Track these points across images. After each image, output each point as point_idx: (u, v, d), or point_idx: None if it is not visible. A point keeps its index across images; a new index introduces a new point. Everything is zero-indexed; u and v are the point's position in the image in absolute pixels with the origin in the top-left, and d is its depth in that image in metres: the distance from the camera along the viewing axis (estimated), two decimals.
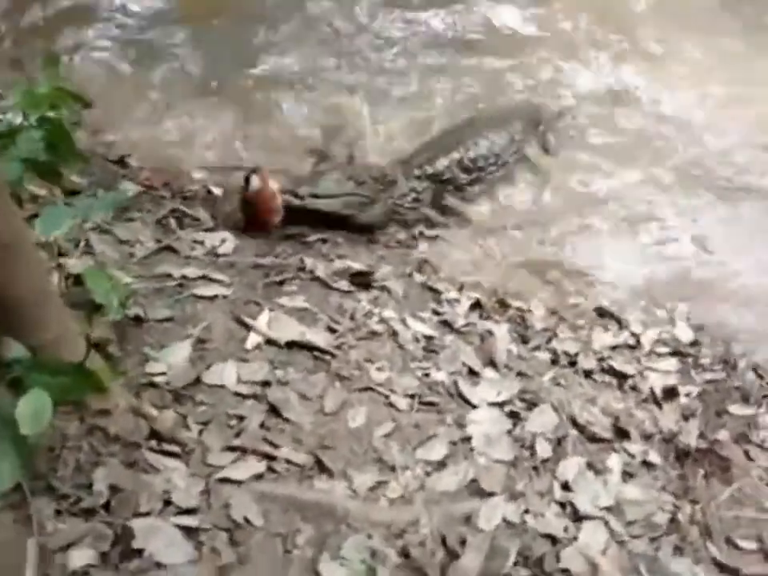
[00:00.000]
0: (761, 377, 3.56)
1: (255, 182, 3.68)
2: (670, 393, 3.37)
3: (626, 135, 4.84)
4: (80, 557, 2.07)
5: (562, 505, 2.66)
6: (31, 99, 2.90)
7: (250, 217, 3.74)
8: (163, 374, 2.66)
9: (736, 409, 3.34)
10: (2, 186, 2.00)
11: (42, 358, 2.14)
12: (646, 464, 2.96)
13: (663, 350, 3.64)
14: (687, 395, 3.39)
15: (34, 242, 2.21)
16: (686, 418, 3.28)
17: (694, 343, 3.70)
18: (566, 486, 2.72)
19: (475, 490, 2.63)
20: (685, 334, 3.75)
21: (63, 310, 2.25)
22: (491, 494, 2.62)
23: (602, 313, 3.80)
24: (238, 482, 2.41)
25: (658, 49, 5.39)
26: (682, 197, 4.50)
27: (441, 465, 2.69)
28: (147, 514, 2.22)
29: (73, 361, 2.20)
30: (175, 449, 2.44)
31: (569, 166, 4.64)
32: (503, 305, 3.70)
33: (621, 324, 3.75)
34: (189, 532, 2.23)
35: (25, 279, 2.08)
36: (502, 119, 4.66)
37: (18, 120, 2.90)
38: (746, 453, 3.14)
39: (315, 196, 3.91)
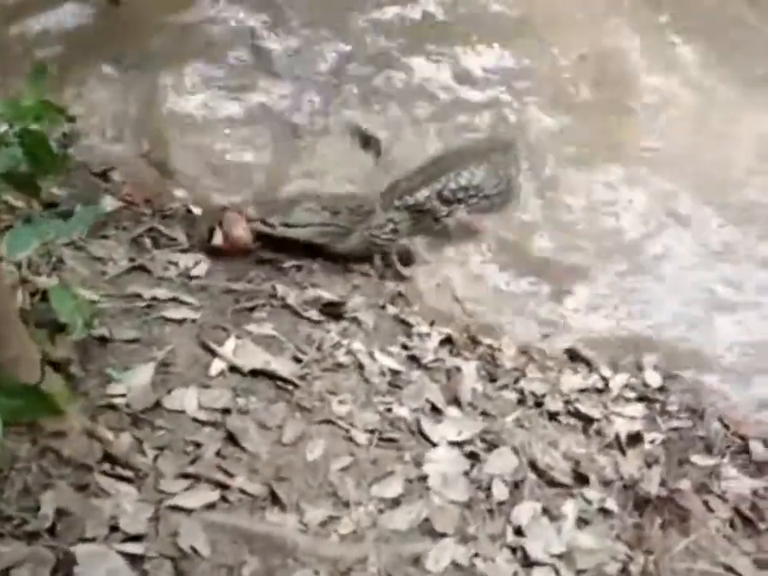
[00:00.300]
0: (726, 427, 3.58)
1: (218, 237, 3.73)
2: (635, 439, 3.37)
3: None
4: None
5: (514, 550, 2.67)
6: (15, 111, 2.90)
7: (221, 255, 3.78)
8: (123, 395, 2.67)
9: (699, 459, 3.34)
10: None
11: None
12: (603, 511, 2.96)
13: (631, 395, 3.65)
14: (651, 442, 3.40)
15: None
16: (648, 465, 3.29)
17: (663, 390, 3.71)
18: (518, 531, 2.73)
19: (427, 530, 2.64)
20: (653, 380, 3.76)
21: (21, 328, 2.26)
22: (443, 535, 2.63)
23: (572, 355, 3.82)
24: (189, 510, 2.42)
25: None
26: None
27: (395, 503, 2.70)
28: (92, 539, 2.23)
29: (29, 381, 2.20)
30: (128, 473, 2.45)
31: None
32: (474, 341, 3.71)
33: (591, 367, 3.76)
34: (134, 560, 2.24)
35: None
36: (485, 151, 4.65)
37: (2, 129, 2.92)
38: (706, 503, 3.15)
39: (287, 225, 3.93)
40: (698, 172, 4.66)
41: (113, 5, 5.15)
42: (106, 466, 2.42)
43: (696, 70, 5.23)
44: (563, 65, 5.28)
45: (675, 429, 3.50)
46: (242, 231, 3.79)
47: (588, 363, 3.79)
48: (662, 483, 3.18)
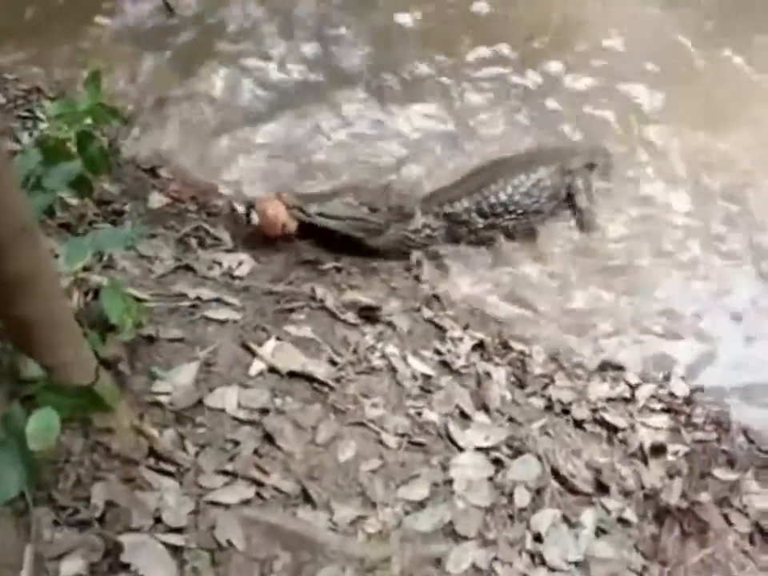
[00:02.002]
0: (751, 441, 3.64)
1: (255, 218, 3.95)
2: (658, 450, 3.45)
3: None
4: (71, 566, 2.23)
5: (532, 555, 2.78)
6: (72, 113, 3.05)
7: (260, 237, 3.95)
8: (168, 393, 2.79)
9: (721, 472, 3.42)
10: (29, 219, 2.16)
11: (55, 377, 2.30)
12: (621, 521, 3.06)
13: (657, 405, 3.73)
14: (675, 453, 3.48)
15: (55, 270, 2.36)
16: (670, 476, 3.37)
17: (689, 401, 3.78)
18: (538, 537, 2.84)
19: (450, 532, 2.75)
20: (681, 392, 3.83)
21: (77, 332, 2.41)
22: (465, 538, 2.74)
23: (603, 365, 3.91)
24: (226, 506, 2.55)
25: None
26: None
27: (420, 505, 2.81)
28: (138, 529, 2.37)
29: (83, 381, 2.36)
30: (171, 468, 2.58)
31: None
32: (505, 347, 3.82)
33: (619, 376, 3.84)
34: (174, 550, 2.37)
35: (43, 305, 2.23)
36: (538, 163, 4.64)
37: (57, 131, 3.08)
38: (726, 517, 3.22)
39: (322, 215, 4.07)
40: None
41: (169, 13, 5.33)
42: (151, 461, 2.56)
43: None
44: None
45: (699, 441, 3.57)
46: (278, 210, 3.96)
47: (617, 372, 3.88)
48: (683, 495, 3.25)
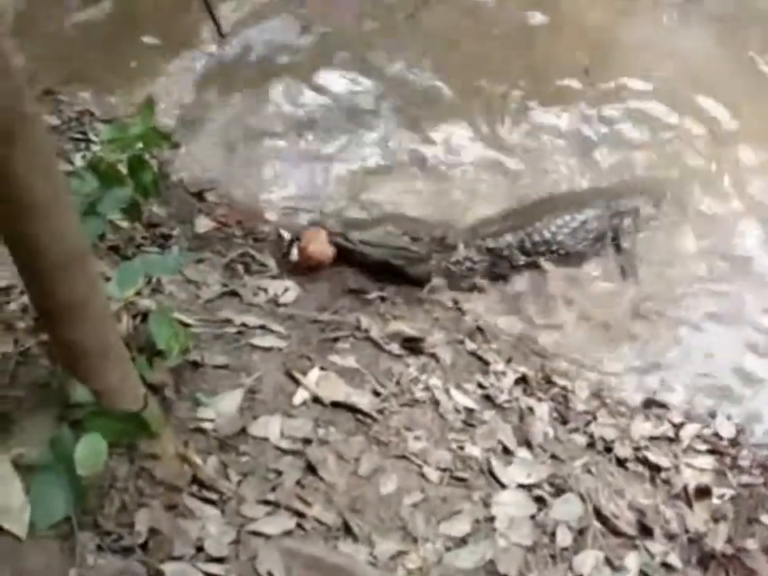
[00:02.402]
0: None
1: (294, 253, 3.99)
2: (703, 492, 3.39)
3: None
4: None
5: None
6: (123, 140, 3.10)
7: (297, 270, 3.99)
8: (212, 420, 2.81)
9: None
10: (83, 245, 2.19)
11: (103, 402, 2.32)
12: (665, 566, 3.00)
13: (702, 446, 3.67)
14: (720, 497, 3.41)
15: (105, 295, 2.39)
16: (715, 520, 3.30)
17: (735, 443, 3.71)
18: None
19: (491, 571, 2.72)
20: (727, 432, 3.76)
21: (126, 358, 2.43)
22: None
23: (647, 402, 3.86)
24: (268, 536, 2.54)
25: None
26: None
27: (462, 541, 2.78)
28: (180, 558, 2.37)
29: (131, 407, 2.38)
30: (213, 496, 2.58)
31: None
32: (548, 382, 3.78)
33: (663, 414, 3.79)
34: None
35: (93, 331, 2.26)
36: (586, 203, 4.61)
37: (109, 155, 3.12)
38: None
39: (365, 243, 4.09)
40: None
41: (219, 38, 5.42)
42: (194, 489, 2.56)
43: None
44: None
45: (746, 485, 3.50)
46: (318, 246, 3.99)
47: (660, 410, 3.83)
48: (729, 540, 3.19)
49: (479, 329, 3.97)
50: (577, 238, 4.42)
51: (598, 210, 4.56)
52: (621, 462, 3.44)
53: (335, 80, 5.31)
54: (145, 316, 2.99)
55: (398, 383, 3.31)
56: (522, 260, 4.35)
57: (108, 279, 2.78)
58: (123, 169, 2.98)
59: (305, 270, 3.98)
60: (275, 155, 4.90)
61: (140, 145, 3.07)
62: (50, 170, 2.02)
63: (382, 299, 3.91)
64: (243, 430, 2.84)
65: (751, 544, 3.19)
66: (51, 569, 2.23)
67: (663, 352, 4.17)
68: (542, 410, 3.51)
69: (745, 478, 3.54)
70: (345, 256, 4.10)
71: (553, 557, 2.85)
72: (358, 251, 4.12)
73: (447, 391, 3.37)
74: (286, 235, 4.17)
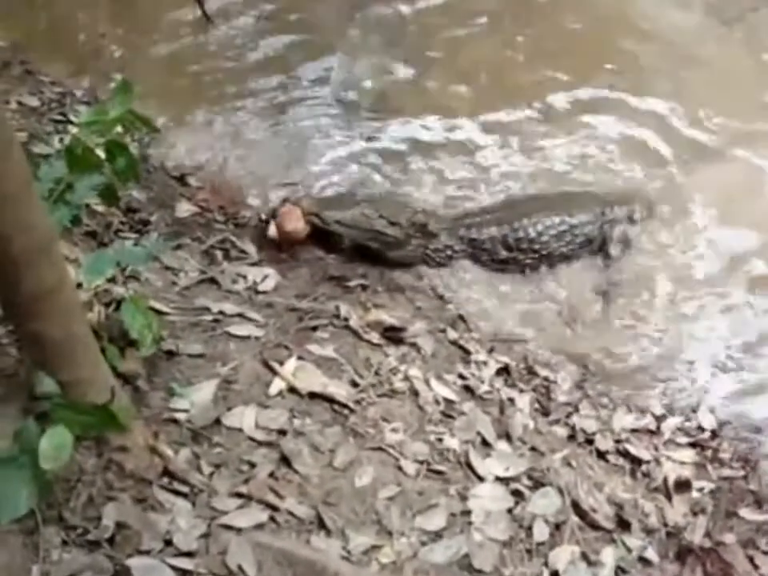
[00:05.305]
0: None
1: (272, 230, 3.96)
2: (683, 485, 3.37)
3: None
4: None
5: None
6: (101, 123, 3.03)
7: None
8: (185, 411, 2.76)
9: (748, 512, 3.33)
10: (49, 237, 2.13)
11: (70, 394, 2.27)
12: (642, 560, 2.99)
13: (683, 439, 3.65)
14: (700, 490, 3.40)
15: (74, 285, 2.33)
16: (695, 513, 3.29)
17: (716, 436, 3.69)
18: (555, 574, 2.77)
19: (465, 565, 2.70)
20: (708, 424, 3.74)
21: (95, 349, 2.37)
22: (480, 572, 2.68)
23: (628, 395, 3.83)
24: (239, 530, 2.50)
25: None
26: None
27: (437, 536, 2.75)
28: (148, 552, 2.33)
29: (99, 399, 2.33)
30: (184, 489, 2.54)
31: None
32: (530, 372, 3.75)
33: (645, 407, 3.76)
34: (183, 574, 2.34)
35: (60, 322, 2.20)
36: (577, 208, 4.49)
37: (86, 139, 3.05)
38: (751, 559, 3.14)
39: (339, 223, 4.05)
40: None
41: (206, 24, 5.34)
42: (165, 481, 2.52)
43: None
44: None
45: (726, 478, 3.49)
46: (295, 224, 3.97)
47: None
48: (707, 534, 3.18)
49: (461, 317, 3.93)
50: (562, 241, 4.33)
51: (590, 215, 4.46)
52: (601, 455, 3.42)
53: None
54: (119, 304, 2.93)
55: (376, 373, 3.27)
56: (504, 255, 4.27)
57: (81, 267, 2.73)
58: (102, 153, 2.92)
59: (281, 247, 3.95)
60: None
61: (119, 129, 3.01)
62: (10, 158, 1.96)
63: (363, 287, 3.86)
64: (217, 421, 2.80)
65: (729, 538, 3.18)
66: (14, 564, 2.18)
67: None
68: (523, 401, 3.49)
69: (725, 471, 3.53)
70: (320, 235, 4.07)
71: (529, 551, 2.83)
72: (332, 231, 4.08)
73: (427, 382, 3.33)
74: (263, 214, 4.13)
